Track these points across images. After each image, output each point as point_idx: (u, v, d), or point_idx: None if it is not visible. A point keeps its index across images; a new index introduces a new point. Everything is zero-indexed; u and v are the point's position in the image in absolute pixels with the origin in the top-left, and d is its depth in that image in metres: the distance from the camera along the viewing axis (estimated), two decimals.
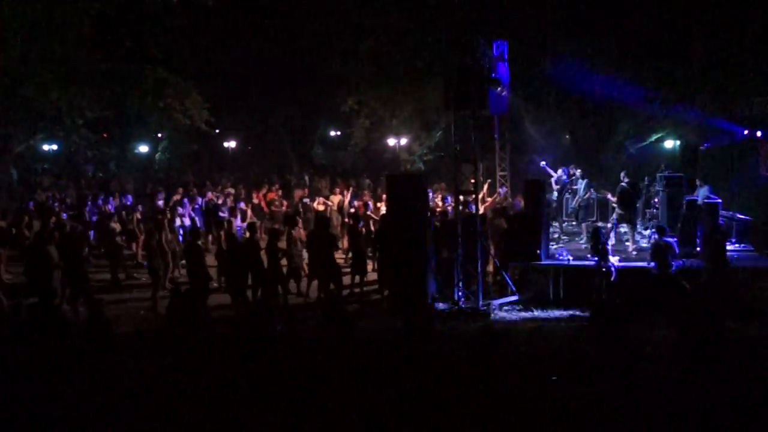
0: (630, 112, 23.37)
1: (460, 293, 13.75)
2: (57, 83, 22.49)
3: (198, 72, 27.46)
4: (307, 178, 29.67)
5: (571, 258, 14.70)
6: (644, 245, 16.32)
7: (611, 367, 9.09)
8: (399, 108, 28.39)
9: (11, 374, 9.17)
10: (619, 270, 13.22)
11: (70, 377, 9.61)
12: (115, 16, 23.71)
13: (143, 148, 39.12)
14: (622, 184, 16.56)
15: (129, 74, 24.43)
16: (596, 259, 13.08)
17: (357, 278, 15.06)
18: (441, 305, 13.46)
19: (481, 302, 13.43)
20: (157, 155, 38.50)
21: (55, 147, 35.26)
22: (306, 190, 25.26)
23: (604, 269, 12.86)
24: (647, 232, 17.53)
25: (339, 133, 37.74)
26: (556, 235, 18.01)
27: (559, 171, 19.49)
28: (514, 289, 14.18)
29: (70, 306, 13.34)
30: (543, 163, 19.81)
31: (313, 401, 8.36)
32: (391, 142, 30.79)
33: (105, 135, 32.05)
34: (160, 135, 37.56)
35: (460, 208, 14.32)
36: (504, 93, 17.83)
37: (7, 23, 22.36)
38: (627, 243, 16.22)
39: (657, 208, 17.53)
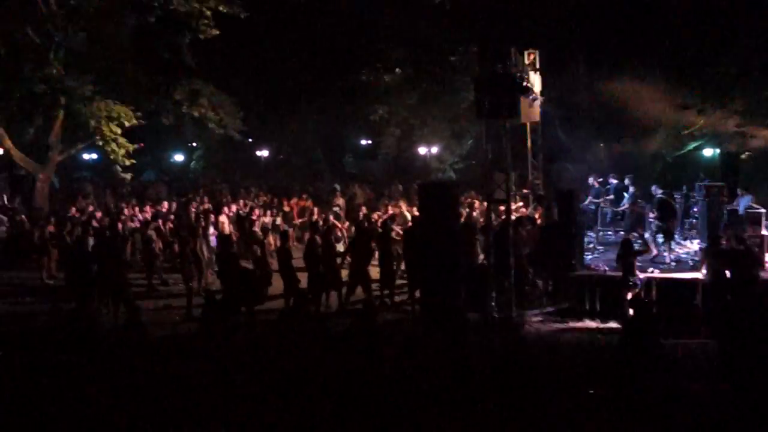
0: (667, 118, 23.03)
1: (492, 303, 13.66)
2: (97, 94, 23.02)
3: (231, 82, 27.82)
4: (338, 187, 29.76)
5: (606, 269, 14.54)
6: (683, 256, 16.05)
7: (647, 380, 8.97)
8: (429, 116, 28.41)
9: (48, 376, 9.35)
10: (659, 282, 13.03)
11: (105, 380, 9.80)
12: (153, 28, 24.19)
13: (178, 157, 39.70)
14: (659, 195, 16.33)
15: (165, 85, 24.87)
16: (623, 271, 12.90)
17: (387, 286, 15.12)
18: (474, 315, 13.41)
19: (514, 312, 13.34)
20: (192, 164, 39.06)
21: (95, 156, 35.95)
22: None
23: (630, 282, 12.69)
24: (693, 244, 17.08)
25: (370, 141, 37.91)
26: (591, 245, 17.81)
27: (591, 179, 19.35)
28: (547, 299, 14.07)
29: (108, 310, 13.58)
30: (591, 179, 19.64)
31: (341, 407, 8.39)
32: (422, 150, 30.82)
33: (141, 144, 32.57)
34: (194, 144, 38.11)
35: (492, 216, 14.26)
36: (536, 101, 17.77)
37: (48, 37, 23.00)
38: (665, 254, 15.86)
39: (696, 218, 17.15)
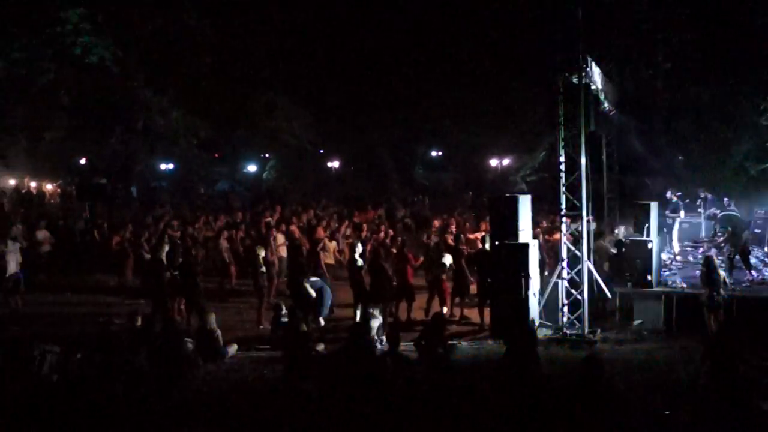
0: (751, 129, 22.18)
1: (564, 319, 13.36)
2: (175, 106, 23.68)
3: (305, 93, 28.18)
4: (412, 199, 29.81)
5: (684, 285, 14.04)
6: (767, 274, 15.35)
7: (726, 402, 8.58)
8: (502, 128, 28.15)
9: (129, 379, 9.57)
10: (739, 300, 12.49)
11: (179, 383, 10.03)
12: (232, 44, 24.77)
13: (251, 168, 40.38)
14: (730, 211, 15.71)
15: (241, 97, 25.40)
16: (707, 289, 12.40)
17: (458, 299, 15.00)
18: (545, 330, 13.14)
19: (587, 329, 13.00)
20: (265, 174, 39.68)
21: (171, 166, 36.94)
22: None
23: (715, 301, 12.18)
24: None
25: (440, 153, 37.79)
26: (668, 261, 17.26)
27: (668, 193, 18.79)
28: (622, 316, 13.67)
29: (182, 317, 13.86)
30: (668, 193, 19.11)
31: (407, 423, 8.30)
32: (493, 162, 30.55)
33: (216, 155, 33.33)
34: (267, 155, 38.70)
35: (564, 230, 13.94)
36: (612, 112, 17.37)
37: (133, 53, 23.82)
38: (745, 272, 15.14)
39: None
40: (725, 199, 16.44)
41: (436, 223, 21.53)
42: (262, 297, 14.60)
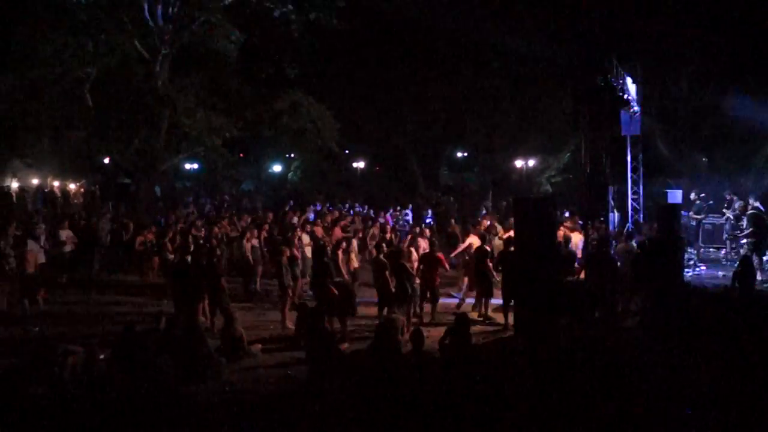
0: None
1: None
2: (200, 105, 23.85)
3: (330, 94, 28.27)
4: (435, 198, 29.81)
5: (707, 286, 13.98)
6: None
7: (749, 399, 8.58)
8: (528, 129, 28.10)
9: (152, 381, 9.67)
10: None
11: (202, 384, 10.14)
12: (258, 43, 24.91)
13: (276, 168, 40.61)
14: (753, 210, 15.60)
15: (266, 97, 25.55)
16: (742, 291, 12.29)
17: (483, 300, 15.02)
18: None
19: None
20: (289, 174, 39.88)
21: (195, 166, 37.25)
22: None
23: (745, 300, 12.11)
24: None
25: (466, 154, 37.75)
26: (691, 262, 17.19)
27: (692, 194, 18.67)
28: (643, 316, 13.62)
29: (205, 318, 13.95)
30: (692, 194, 18.99)
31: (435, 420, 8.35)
32: (519, 163, 30.49)
33: (242, 155, 33.49)
34: (292, 155, 38.87)
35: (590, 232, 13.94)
36: (637, 114, 17.30)
37: (155, 51, 24.05)
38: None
39: None
40: (750, 200, 16.27)
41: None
42: (287, 297, 14.68)
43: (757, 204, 15.81)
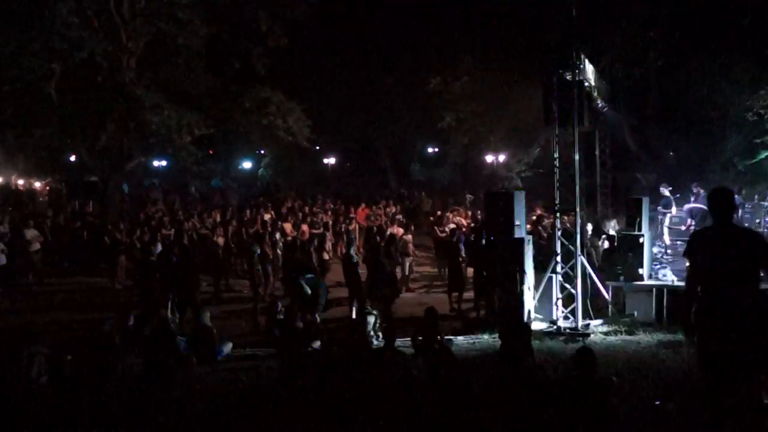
0: (740, 125, 22.37)
1: (558, 312, 13.47)
2: (168, 103, 23.55)
3: (300, 90, 28.13)
4: (404, 192, 29.88)
5: (675, 279, 14.14)
6: None
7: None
8: (497, 124, 28.23)
9: (121, 380, 9.56)
10: None
11: (173, 384, 10.00)
12: (226, 38, 24.68)
13: (246, 164, 40.33)
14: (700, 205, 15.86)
15: (235, 93, 25.32)
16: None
17: (455, 294, 15.11)
18: (539, 324, 13.24)
19: (580, 323, 13.10)
20: (260, 171, 39.63)
21: (164, 163, 36.85)
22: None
23: None
24: None
25: (437, 150, 37.84)
26: (659, 255, 17.40)
27: (662, 188, 18.90)
28: (614, 310, 13.77)
29: (175, 316, 13.82)
30: (661, 188, 19.20)
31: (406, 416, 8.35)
32: (489, 158, 30.62)
33: (211, 151, 33.18)
34: (262, 151, 38.61)
35: (558, 224, 14.03)
36: (605, 108, 17.45)
37: (120, 46, 23.71)
38: None
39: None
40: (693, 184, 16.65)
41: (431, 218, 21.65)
42: (258, 294, 14.62)
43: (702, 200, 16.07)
